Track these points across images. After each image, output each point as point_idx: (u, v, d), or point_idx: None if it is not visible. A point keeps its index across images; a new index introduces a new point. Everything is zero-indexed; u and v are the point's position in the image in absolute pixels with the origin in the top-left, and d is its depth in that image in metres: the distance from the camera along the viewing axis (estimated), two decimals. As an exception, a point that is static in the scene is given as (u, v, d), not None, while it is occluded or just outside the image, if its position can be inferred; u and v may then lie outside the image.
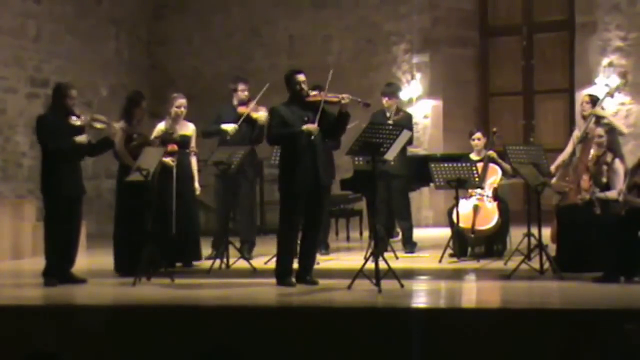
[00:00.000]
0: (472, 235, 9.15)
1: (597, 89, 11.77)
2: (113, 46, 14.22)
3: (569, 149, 9.28)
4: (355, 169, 9.43)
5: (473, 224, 9.12)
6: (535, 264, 7.93)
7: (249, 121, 9.45)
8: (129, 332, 6.56)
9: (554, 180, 8.90)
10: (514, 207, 10.09)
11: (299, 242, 7.82)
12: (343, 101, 7.52)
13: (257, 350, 6.19)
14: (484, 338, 6.06)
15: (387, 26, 13.80)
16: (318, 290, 7.42)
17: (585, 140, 8.92)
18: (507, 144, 8.98)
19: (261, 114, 9.38)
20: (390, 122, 9.59)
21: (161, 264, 8.27)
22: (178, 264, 8.87)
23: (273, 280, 7.61)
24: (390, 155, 7.72)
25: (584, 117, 9.30)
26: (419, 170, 9.91)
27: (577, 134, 9.30)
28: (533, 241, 8.11)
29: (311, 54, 13.76)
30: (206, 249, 9.32)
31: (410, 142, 9.60)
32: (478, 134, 9.60)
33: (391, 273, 7.29)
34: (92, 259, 9.34)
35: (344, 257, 9.80)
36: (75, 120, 7.95)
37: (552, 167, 9.15)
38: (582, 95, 10.62)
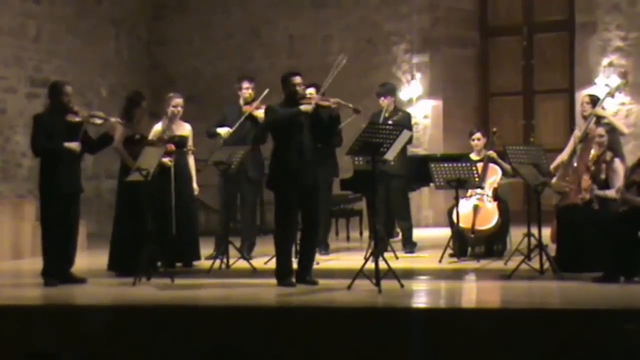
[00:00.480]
0: (472, 235, 9.15)
1: (597, 89, 11.77)
2: (113, 46, 14.22)
3: (569, 148, 9.28)
4: (355, 169, 9.43)
5: (473, 224, 9.12)
6: (535, 264, 7.92)
7: (252, 119, 9.46)
8: (129, 332, 6.56)
9: (554, 180, 8.90)
10: (514, 207, 10.09)
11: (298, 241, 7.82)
12: (333, 105, 7.59)
13: (257, 350, 6.19)
14: (484, 338, 6.05)
15: (387, 26, 13.80)
16: (318, 290, 7.42)
17: (585, 140, 8.92)
18: (507, 144, 8.98)
19: (262, 112, 9.38)
20: (389, 122, 9.58)
21: (161, 264, 8.27)
22: (178, 264, 8.87)
23: (273, 280, 7.61)
24: (390, 155, 7.73)
25: (585, 118, 9.30)
26: (419, 170, 9.91)
27: (577, 133, 9.29)
28: (533, 241, 8.11)
29: (311, 54, 13.76)
30: (206, 249, 9.32)
31: (410, 141, 9.61)
32: (478, 134, 9.60)
33: (391, 273, 7.29)
34: (92, 259, 9.33)
35: (344, 257, 9.80)
36: (73, 117, 7.95)
37: (551, 167, 9.15)
38: (582, 95, 10.62)
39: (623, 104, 12.52)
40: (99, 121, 8.12)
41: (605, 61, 12.71)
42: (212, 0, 14.64)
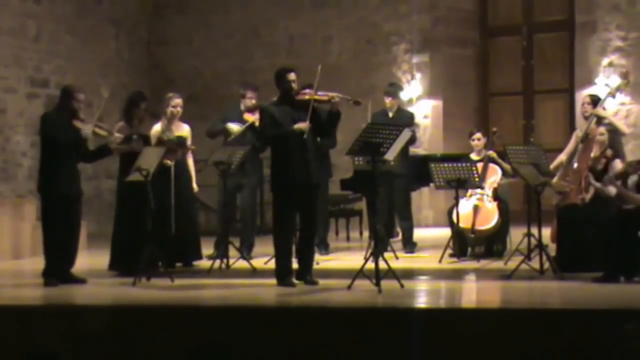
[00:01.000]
0: (472, 235, 9.14)
1: (597, 89, 11.78)
2: (113, 46, 14.22)
3: (569, 148, 9.27)
4: (355, 169, 9.43)
5: (473, 224, 9.12)
6: (535, 264, 7.92)
7: (254, 129, 9.39)
8: (129, 332, 6.55)
9: (554, 180, 8.89)
10: (514, 207, 10.09)
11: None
12: (333, 100, 7.51)
13: (257, 350, 6.19)
14: (484, 338, 6.05)
15: (387, 26, 13.80)
16: (318, 290, 7.42)
17: (586, 140, 8.91)
18: (507, 144, 8.97)
19: None
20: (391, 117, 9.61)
21: (161, 263, 8.28)
22: (178, 264, 8.87)
23: (273, 280, 7.61)
24: (391, 155, 7.72)
25: (585, 118, 9.29)
26: (419, 170, 9.92)
27: (578, 133, 9.29)
28: (533, 241, 8.11)
29: (311, 54, 13.75)
30: (206, 249, 9.32)
31: (412, 141, 9.63)
32: (478, 134, 9.60)
33: (391, 273, 7.29)
34: (92, 259, 9.33)
35: (344, 257, 9.80)
36: (78, 123, 7.94)
37: (551, 167, 9.14)
38: (582, 95, 10.62)
39: (623, 104, 12.52)
40: (102, 133, 8.10)
41: (605, 61, 12.71)
42: (212, 0, 14.64)
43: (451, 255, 9.15)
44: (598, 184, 7.84)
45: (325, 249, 9.85)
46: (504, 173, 9.35)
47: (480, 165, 9.27)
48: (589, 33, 12.85)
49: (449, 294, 7.64)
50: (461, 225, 9.14)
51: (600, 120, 9.02)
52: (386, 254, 8.38)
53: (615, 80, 10.76)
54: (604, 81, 12.34)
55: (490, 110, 13.94)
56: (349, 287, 7.26)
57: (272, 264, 7.97)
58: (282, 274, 7.58)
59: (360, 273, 7.26)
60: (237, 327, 6.39)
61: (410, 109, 12.11)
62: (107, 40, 14.07)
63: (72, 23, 13.27)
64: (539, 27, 13.72)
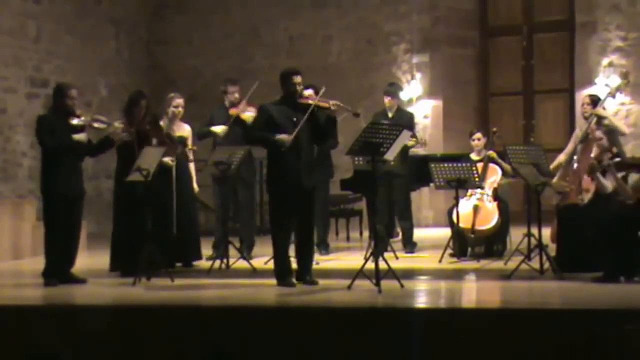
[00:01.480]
0: (472, 235, 9.15)
1: (597, 89, 11.78)
2: (113, 46, 14.22)
3: (569, 148, 9.28)
4: (355, 169, 9.43)
5: (473, 224, 9.12)
6: (535, 264, 7.92)
7: (240, 122, 9.42)
8: (129, 332, 6.55)
9: (554, 180, 8.89)
10: (514, 207, 10.09)
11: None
12: (333, 107, 7.59)
13: (256, 351, 6.19)
14: (484, 338, 6.05)
15: (387, 26, 13.80)
16: (318, 290, 7.42)
17: (586, 140, 8.91)
18: (507, 144, 8.97)
19: (249, 114, 9.39)
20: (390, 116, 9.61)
21: (161, 264, 8.27)
22: (178, 264, 8.87)
23: (273, 281, 7.61)
24: (390, 155, 7.72)
25: (585, 118, 9.29)
26: (419, 170, 9.91)
27: (578, 133, 9.29)
28: (533, 241, 8.11)
29: (311, 54, 13.76)
30: (206, 249, 9.32)
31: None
32: (478, 134, 9.61)
33: (391, 273, 7.29)
34: (92, 259, 9.34)
35: (344, 257, 9.80)
36: (75, 121, 7.95)
37: (551, 167, 9.14)
38: (582, 95, 10.62)
39: (623, 104, 12.52)
40: (101, 126, 8.11)
41: (605, 61, 12.71)
42: (212, 0, 14.64)
43: (451, 255, 9.15)
44: (601, 177, 7.84)
45: (326, 249, 9.85)
46: (504, 173, 9.35)
47: (480, 165, 9.27)
48: (589, 33, 12.85)
49: (449, 294, 7.64)
50: (461, 225, 9.14)
51: (600, 120, 9.02)
52: (386, 254, 8.38)
53: (615, 80, 10.76)
54: (604, 81, 12.34)
55: (490, 110, 13.94)
56: (349, 287, 7.26)
57: (272, 264, 7.97)
58: (282, 274, 7.58)
59: (360, 273, 7.26)
60: (237, 327, 6.39)
61: (410, 109, 12.12)
62: (107, 40, 14.07)
63: (72, 23, 13.27)
64: (539, 27, 13.72)
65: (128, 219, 8.40)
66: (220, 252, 8.90)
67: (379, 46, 13.86)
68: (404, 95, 13.00)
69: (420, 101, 13.51)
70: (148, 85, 13.81)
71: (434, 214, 13.15)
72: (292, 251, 7.74)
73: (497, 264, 8.68)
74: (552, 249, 8.20)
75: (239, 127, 9.30)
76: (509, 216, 9.35)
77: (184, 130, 9.08)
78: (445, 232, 9.58)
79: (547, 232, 8.49)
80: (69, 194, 7.95)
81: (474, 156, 9.57)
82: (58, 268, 7.96)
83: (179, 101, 9.07)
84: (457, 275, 8.32)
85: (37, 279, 8.07)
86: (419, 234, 10.56)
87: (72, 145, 7.90)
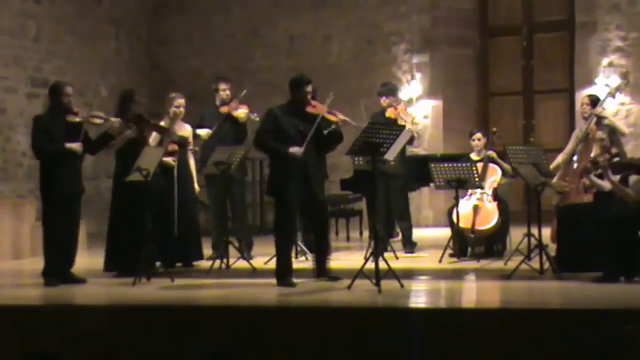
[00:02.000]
0: (472, 235, 9.15)
1: (597, 89, 11.78)
2: (113, 46, 14.22)
3: (569, 148, 9.28)
4: (355, 169, 9.43)
5: (473, 224, 9.12)
6: (535, 264, 7.92)
7: (231, 120, 9.43)
8: (129, 332, 6.56)
9: (554, 180, 8.89)
10: (514, 207, 10.09)
11: (301, 243, 8.12)
12: (340, 123, 7.61)
13: (257, 351, 6.19)
14: (484, 338, 6.05)
15: (387, 26, 13.80)
16: (318, 290, 7.43)
17: (586, 140, 8.92)
18: (507, 144, 8.97)
19: (241, 112, 9.40)
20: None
21: (161, 264, 8.27)
22: (178, 264, 8.87)
23: (273, 280, 7.61)
24: (390, 155, 7.72)
25: (585, 118, 9.29)
26: (419, 170, 9.91)
27: (578, 133, 9.29)
28: (533, 241, 8.11)
29: (311, 54, 13.76)
30: (206, 249, 9.31)
31: (411, 141, 9.62)
32: (478, 134, 9.60)
33: (391, 273, 7.29)
34: (92, 259, 9.32)
35: (344, 257, 9.79)
36: (73, 118, 7.96)
37: (551, 167, 9.14)
38: (582, 95, 10.62)
39: (623, 104, 12.52)
40: (99, 121, 8.12)
41: (605, 61, 12.72)
42: (212, 0, 14.64)
43: (451, 255, 9.15)
44: (596, 179, 7.81)
45: (326, 249, 9.84)
46: (504, 173, 9.35)
47: (480, 165, 9.27)
48: (589, 33, 12.86)
49: (449, 294, 7.64)
50: (461, 225, 9.14)
51: (600, 120, 9.02)
52: (386, 254, 8.38)
53: (615, 80, 10.76)
54: (604, 81, 12.34)
55: (490, 110, 13.94)
56: (349, 287, 7.26)
57: (272, 264, 7.98)
58: (282, 273, 7.59)
59: (360, 273, 7.26)
60: (237, 327, 6.39)
61: (410, 109, 12.11)
62: (107, 40, 14.06)
63: (72, 23, 13.27)
64: (539, 27, 13.72)
65: (127, 218, 8.39)
66: (220, 252, 8.89)
67: (379, 46, 13.86)
68: (403, 95, 13.01)
69: (420, 101, 13.51)
70: (148, 85, 13.83)
71: (434, 214, 13.15)
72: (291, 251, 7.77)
73: (497, 264, 8.68)
74: (552, 249, 8.20)
75: (230, 124, 9.35)
76: (509, 216, 9.35)
77: (186, 130, 9.08)
78: (445, 232, 9.58)
79: (547, 232, 8.49)
80: (68, 193, 7.95)
81: (474, 156, 9.57)
82: (58, 267, 7.95)
83: (181, 101, 9.06)
84: (457, 275, 8.32)
85: (36, 279, 8.07)
86: (419, 234, 10.55)
87: (63, 154, 7.89)
